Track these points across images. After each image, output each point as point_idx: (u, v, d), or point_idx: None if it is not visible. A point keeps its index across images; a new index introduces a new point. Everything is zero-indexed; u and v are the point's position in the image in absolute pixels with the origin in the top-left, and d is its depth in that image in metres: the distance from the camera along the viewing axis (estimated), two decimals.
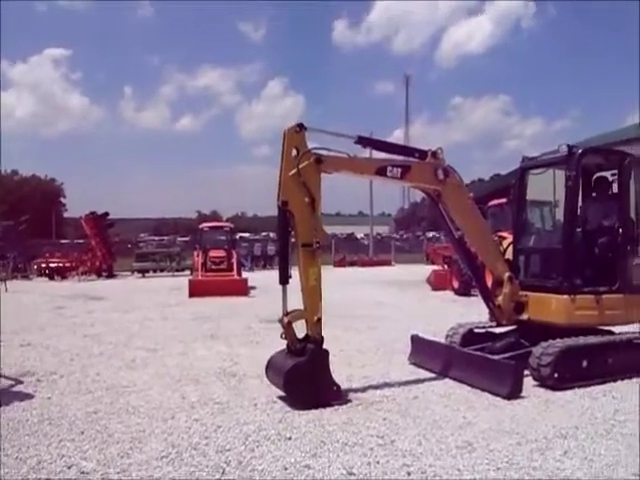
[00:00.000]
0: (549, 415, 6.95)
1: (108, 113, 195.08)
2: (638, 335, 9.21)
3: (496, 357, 8.61)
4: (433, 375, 8.85)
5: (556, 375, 8.03)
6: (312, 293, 7.49)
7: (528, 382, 8.43)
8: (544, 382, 8.16)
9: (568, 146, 8.87)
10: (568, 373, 8.14)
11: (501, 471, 5.28)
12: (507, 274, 9.08)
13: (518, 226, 10.19)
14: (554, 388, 8.06)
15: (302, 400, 7.24)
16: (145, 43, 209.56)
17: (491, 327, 9.92)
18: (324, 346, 7.47)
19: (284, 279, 7.52)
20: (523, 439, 6.10)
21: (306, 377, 7.29)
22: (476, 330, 9.97)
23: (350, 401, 7.47)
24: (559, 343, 8.27)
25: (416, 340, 10.03)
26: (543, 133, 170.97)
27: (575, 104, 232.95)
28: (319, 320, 7.45)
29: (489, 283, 9.51)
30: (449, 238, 9.51)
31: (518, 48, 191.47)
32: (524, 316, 9.19)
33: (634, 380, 8.45)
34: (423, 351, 9.81)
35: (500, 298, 9.11)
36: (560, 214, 10.39)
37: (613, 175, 9.56)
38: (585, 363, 8.31)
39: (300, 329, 7.51)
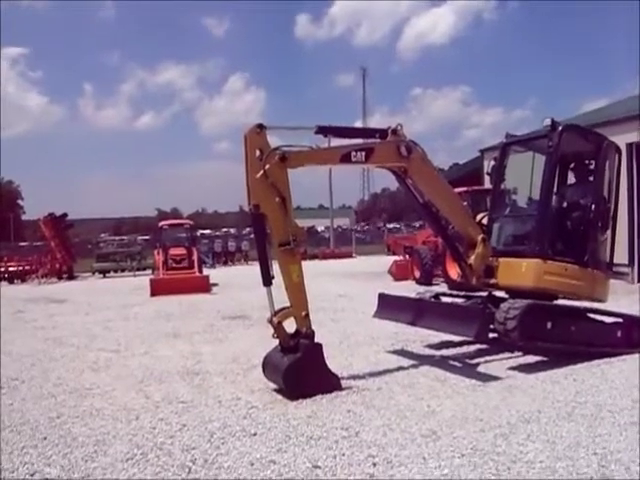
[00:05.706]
0: (512, 401, 7.04)
1: (67, 112, 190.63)
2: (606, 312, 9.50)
3: (463, 303, 8.90)
4: (396, 366, 8.88)
5: (521, 329, 8.20)
6: (296, 290, 7.57)
7: (490, 368, 8.58)
8: (509, 335, 8.38)
9: (552, 120, 9.16)
10: (532, 329, 8.34)
11: (465, 457, 5.34)
12: (481, 236, 9.37)
13: (495, 196, 10.53)
14: (519, 344, 8.69)
15: (303, 394, 7.28)
16: (105, 39, 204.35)
17: (457, 297, 10.20)
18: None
19: (267, 281, 7.54)
20: (487, 425, 6.19)
21: (304, 372, 7.39)
22: (443, 297, 10.36)
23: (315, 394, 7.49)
24: (526, 300, 8.54)
25: (383, 297, 10.38)
26: (502, 122, 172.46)
27: (533, 93, 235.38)
28: (307, 315, 7.57)
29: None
30: (419, 210, 9.62)
31: (479, 39, 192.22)
32: (493, 280, 9.44)
33: (593, 362, 8.64)
34: (391, 306, 10.13)
35: (472, 257, 9.36)
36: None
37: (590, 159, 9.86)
38: (549, 325, 8.52)
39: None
